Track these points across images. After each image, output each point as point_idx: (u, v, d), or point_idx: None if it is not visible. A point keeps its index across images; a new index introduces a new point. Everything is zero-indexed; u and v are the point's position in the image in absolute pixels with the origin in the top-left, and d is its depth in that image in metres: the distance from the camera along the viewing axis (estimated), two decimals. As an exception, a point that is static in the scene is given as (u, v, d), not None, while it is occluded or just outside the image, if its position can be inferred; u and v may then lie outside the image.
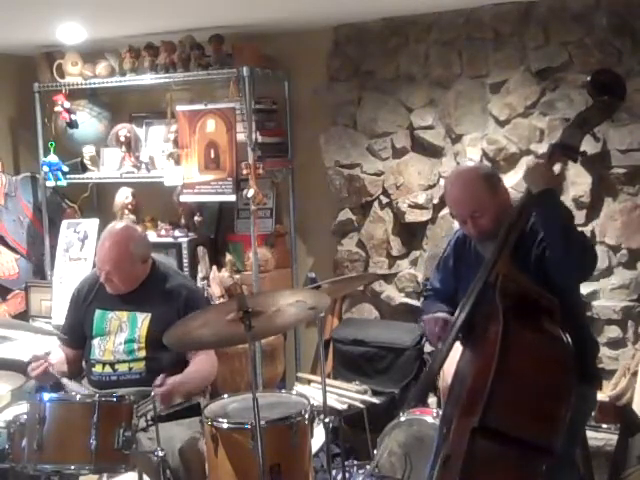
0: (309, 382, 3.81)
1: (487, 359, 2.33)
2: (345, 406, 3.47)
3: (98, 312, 3.31)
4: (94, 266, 3.42)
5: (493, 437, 2.26)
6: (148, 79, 4.36)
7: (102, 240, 3.29)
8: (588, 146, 3.08)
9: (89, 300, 3.35)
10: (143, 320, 3.23)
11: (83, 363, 3.36)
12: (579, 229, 2.62)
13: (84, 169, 4.69)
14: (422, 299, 3.13)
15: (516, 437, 2.25)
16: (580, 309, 2.80)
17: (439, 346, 2.72)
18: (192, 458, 2.92)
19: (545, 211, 2.53)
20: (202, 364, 3.16)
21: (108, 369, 3.22)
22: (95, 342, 3.27)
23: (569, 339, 2.33)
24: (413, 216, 4.14)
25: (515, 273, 2.51)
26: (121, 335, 3.24)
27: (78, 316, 3.37)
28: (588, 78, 2.63)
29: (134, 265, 3.25)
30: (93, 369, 3.25)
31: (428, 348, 3.97)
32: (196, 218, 4.45)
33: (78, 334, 3.35)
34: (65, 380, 3.12)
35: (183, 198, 4.33)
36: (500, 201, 2.70)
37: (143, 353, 3.20)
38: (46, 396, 2.64)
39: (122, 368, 3.21)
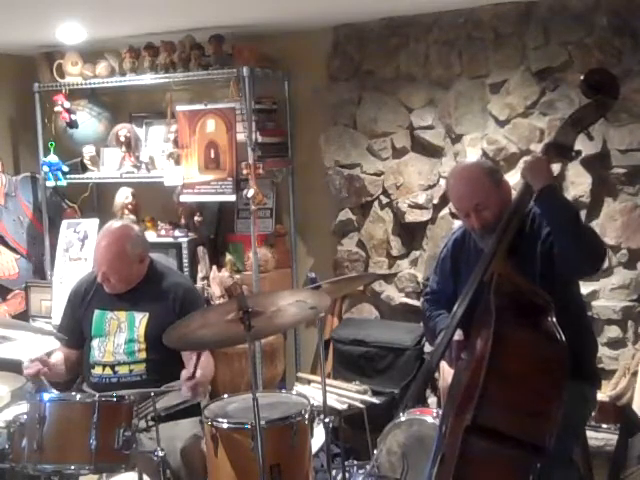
0: (309, 382, 3.81)
1: (480, 358, 2.34)
2: (345, 406, 3.48)
3: (97, 312, 3.30)
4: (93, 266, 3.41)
5: (486, 435, 2.26)
6: (148, 79, 4.36)
7: (99, 239, 3.29)
8: (588, 146, 3.09)
9: (87, 301, 3.34)
10: (141, 320, 3.23)
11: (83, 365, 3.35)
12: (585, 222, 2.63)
13: (84, 169, 4.69)
14: (422, 300, 3.14)
15: (509, 435, 2.25)
16: (581, 309, 2.80)
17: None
18: (194, 458, 2.92)
19: (548, 207, 2.54)
20: (205, 362, 3.16)
21: (108, 371, 3.21)
22: (94, 343, 3.27)
23: (564, 339, 2.33)
24: (413, 216, 4.14)
25: (510, 272, 2.51)
26: (120, 336, 3.23)
27: (76, 317, 3.36)
28: (582, 77, 2.64)
29: (131, 265, 3.24)
30: (92, 371, 3.24)
31: (428, 348, 3.97)
32: (196, 218, 4.44)
33: (77, 335, 3.34)
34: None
35: (183, 198, 4.33)
36: (503, 194, 2.72)
37: (144, 355, 3.20)
38: (46, 396, 2.64)
39: (123, 370, 3.20)
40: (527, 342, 2.36)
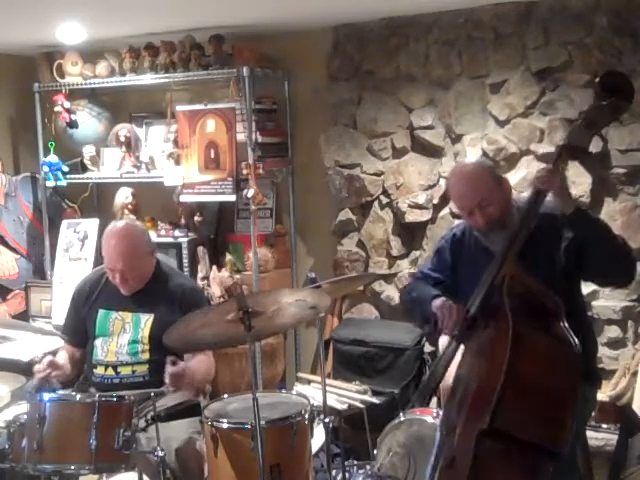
0: (309, 382, 3.81)
1: (495, 361, 2.31)
2: (345, 406, 3.47)
3: (101, 312, 3.29)
4: (94, 266, 3.41)
5: (501, 439, 2.24)
6: (148, 79, 4.37)
7: (106, 241, 3.26)
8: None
9: (92, 300, 3.33)
10: (146, 321, 3.22)
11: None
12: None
13: (84, 169, 4.70)
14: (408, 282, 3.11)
15: (526, 440, 2.24)
16: (582, 309, 2.82)
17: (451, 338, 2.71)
18: (189, 458, 2.91)
19: (583, 230, 2.56)
20: (202, 361, 3.16)
21: (110, 372, 3.20)
22: (98, 343, 3.26)
23: (576, 341, 2.33)
24: (413, 216, 4.14)
25: (521, 274, 2.51)
26: (124, 336, 3.22)
27: (80, 315, 3.36)
28: (597, 79, 2.63)
29: (144, 258, 3.25)
30: (95, 371, 3.24)
31: (428, 348, 3.98)
32: (196, 218, 4.44)
33: (81, 333, 3.34)
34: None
35: (183, 198, 4.33)
36: (504, 192, 2.74)
37: (147, 356, 3.19)
38: (46, 396, 2.63)
39: (125, 371, 3.19)
40: (545, 346, 2.35)
